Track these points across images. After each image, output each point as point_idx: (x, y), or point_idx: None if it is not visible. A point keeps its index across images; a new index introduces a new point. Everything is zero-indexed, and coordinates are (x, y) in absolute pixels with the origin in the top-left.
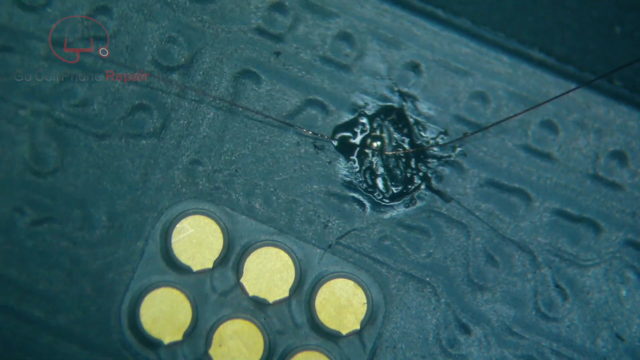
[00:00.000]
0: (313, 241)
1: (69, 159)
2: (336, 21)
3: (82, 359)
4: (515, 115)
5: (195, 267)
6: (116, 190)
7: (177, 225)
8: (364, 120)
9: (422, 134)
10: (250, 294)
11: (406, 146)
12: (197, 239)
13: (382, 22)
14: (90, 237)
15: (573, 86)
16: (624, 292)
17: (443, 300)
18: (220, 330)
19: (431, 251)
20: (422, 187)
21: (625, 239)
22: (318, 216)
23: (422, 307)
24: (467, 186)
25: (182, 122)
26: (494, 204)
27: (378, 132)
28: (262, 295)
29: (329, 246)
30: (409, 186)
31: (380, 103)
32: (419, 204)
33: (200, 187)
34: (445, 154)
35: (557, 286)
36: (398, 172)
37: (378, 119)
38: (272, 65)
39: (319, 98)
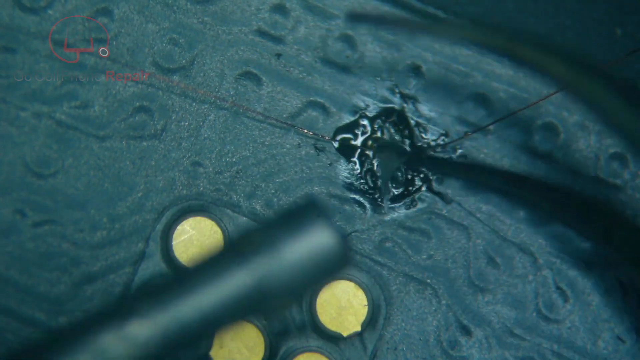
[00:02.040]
0: None
1: (69, 160)
2: (337, 23)
3: None
4: (512, 113)
5: None
6: (117, 192)
7: (178, 227)
8: (365, 122)
9: (423, 135)
10: None
11: (406, 148)
12: (197, 241)
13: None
14: (91, 238)
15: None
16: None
17: (444, 301)
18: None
19: (432, 253)
20: (423, 188)
21: None
22: None
23: (423, 308)
24: (468, 188)
25: (183, 123)
26: (494, 205)
27: (379, 134)
28: None
29: None
30: (410, 188)
31: (381, 105)
32: (419, 205)
33: (201, 188)
34: (446, 156)
35: (558, 288)
36: (399, 173)
37: (379, 120)
38: (273, 67)
39: (320, 100)
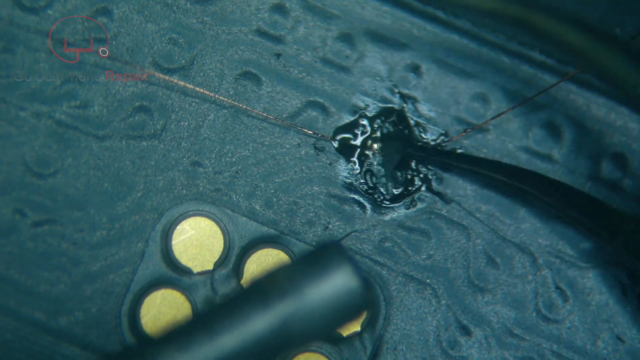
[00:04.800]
0: (314, 243)
1: (69, 160)
2: (337, 23)
3: None
4: (510, 109)
5: (196, 269)
6: (116, 191)
7: (178, 227)
8: (365, 122)
9: (423, 135)
10: None
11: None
12: (197, 241)
13: (382, 23)
14: (90, 238)
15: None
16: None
17: (443, 301)
18: None
19: (432, 253)
20: (423, 188)
21: None
22: (319, 218)
23: (422, 308)
24: (468, 188)
25: (182, 123)
26: (494, 205)
27: (378, 134)
28: None
29: None
30: (410, 188)
31: (381, 105)
32: (419, 205)
33: (201, 188)
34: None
35: (557, 288)
36: (399, 173)
37: (378, 120)
38: (273, 67)
39: (320, 100)
